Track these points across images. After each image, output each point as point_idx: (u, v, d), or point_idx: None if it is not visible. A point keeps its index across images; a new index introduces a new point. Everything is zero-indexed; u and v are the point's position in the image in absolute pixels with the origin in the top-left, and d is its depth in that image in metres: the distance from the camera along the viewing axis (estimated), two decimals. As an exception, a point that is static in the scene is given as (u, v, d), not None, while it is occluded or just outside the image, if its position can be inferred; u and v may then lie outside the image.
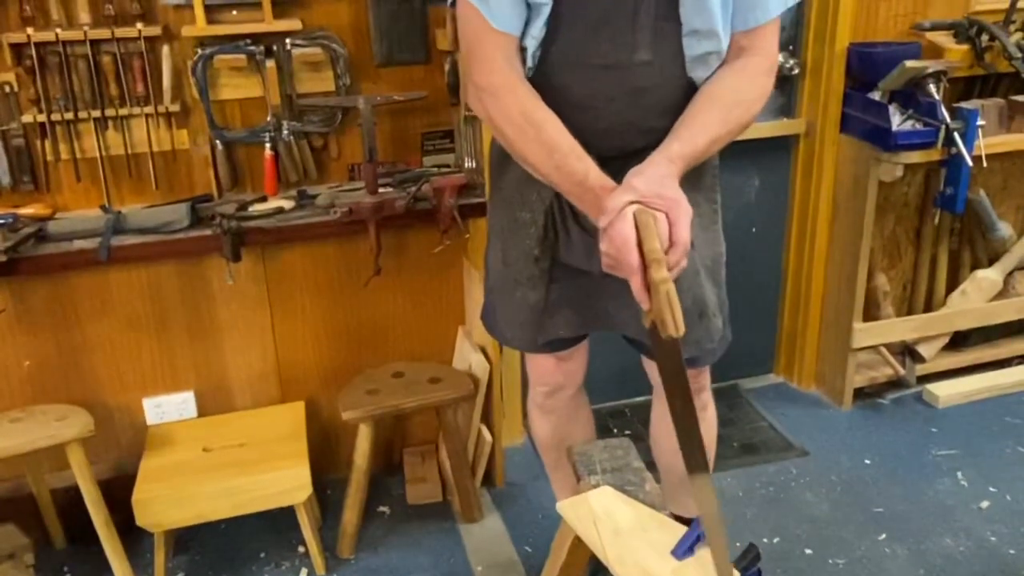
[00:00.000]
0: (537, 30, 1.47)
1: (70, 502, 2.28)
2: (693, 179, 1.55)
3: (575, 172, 1.42)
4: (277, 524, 2.39)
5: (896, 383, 3.02)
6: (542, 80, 1.51)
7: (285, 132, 2.28)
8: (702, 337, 1.68)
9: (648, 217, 1.29)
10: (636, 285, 1.28)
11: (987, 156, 2.60)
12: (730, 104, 1.46)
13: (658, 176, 1.34)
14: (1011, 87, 2.81)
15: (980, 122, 2.56)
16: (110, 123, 2.18)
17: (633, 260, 1.28)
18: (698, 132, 1.43)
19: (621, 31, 1.45)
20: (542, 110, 1.45)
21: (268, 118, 2.27)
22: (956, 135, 2.53)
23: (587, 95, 1.51)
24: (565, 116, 1.46)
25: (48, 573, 2.29)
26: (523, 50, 1.50)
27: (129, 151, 2.21)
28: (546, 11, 1.45)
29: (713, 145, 1.46)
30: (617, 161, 1.47)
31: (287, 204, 2.25)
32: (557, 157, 1.43)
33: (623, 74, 1.48)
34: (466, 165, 2.37)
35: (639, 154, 1.44)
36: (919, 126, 2.57)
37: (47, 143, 2.15)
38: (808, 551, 2.31)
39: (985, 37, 2.64)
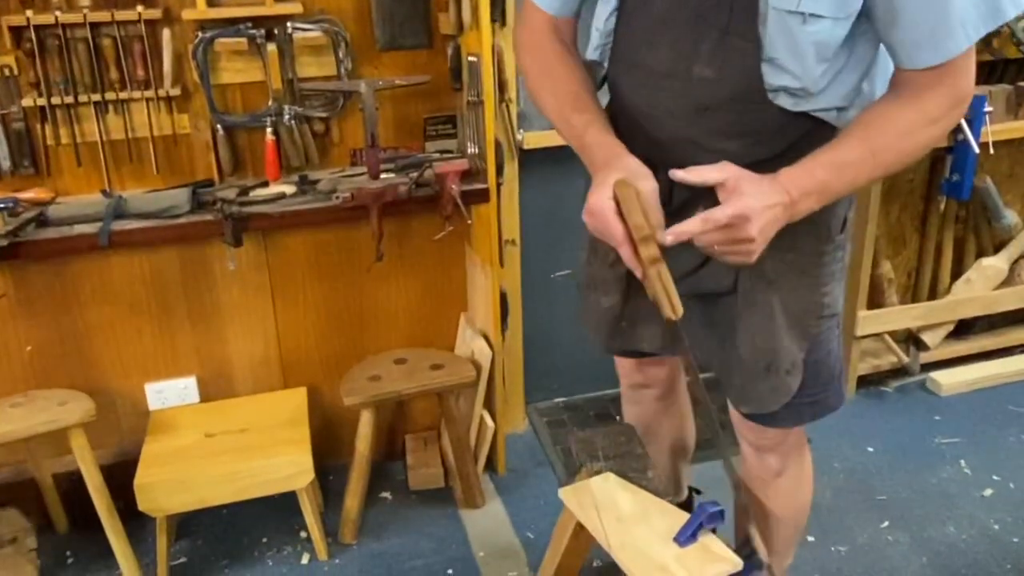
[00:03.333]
0: (601, 22, 1.40)
1: (72, 487, 2.28)
2: None
3: (574, 126, 1.37)
4: (279, 509, 2.39)
5: (900, 371, 3.01)
6: (612, 78, 1.45)
7: (286, 117, 2.27)
8: (765, 395, 1.48)
9: (630, 190, 1.24)
10: (626, 255, 1.26)
11: (994, 143, 2.59)
12: (880, 133, 1.23)
13: (765, 201, 1.19)
14: (1019, 73, 2.79)
15: (987, 108, 2.55)
16: (110, 107, 2.16)
17: (616, 231, 1.24)
18: (820, 166, 1.23)
19: (681, 38, 1.29)
20: (566, 65, 1.43)
21: (269, 102, 2.26)
22: (963, 121, 2.51)
23: (646, 102, 1.38)
24: (631, 122, 1.41)
25: (50, 557, 2.29)
26: (594, 37, 1.44)
27: (130, 135, 2.20)
28: (612, 2, 1.36)
29: (851, 184, 1.26)
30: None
31: (288, 189, 2.25)
32: (566, 110, 1.40)
33: (683, 87, 1.31)
34: (469, 151, 2.36)
35: None
36: (925, 112, 2.55)
37: (47, 127, 2.14)
38: (810, 538, 2.31)
39: (993, 22, 2.61)
